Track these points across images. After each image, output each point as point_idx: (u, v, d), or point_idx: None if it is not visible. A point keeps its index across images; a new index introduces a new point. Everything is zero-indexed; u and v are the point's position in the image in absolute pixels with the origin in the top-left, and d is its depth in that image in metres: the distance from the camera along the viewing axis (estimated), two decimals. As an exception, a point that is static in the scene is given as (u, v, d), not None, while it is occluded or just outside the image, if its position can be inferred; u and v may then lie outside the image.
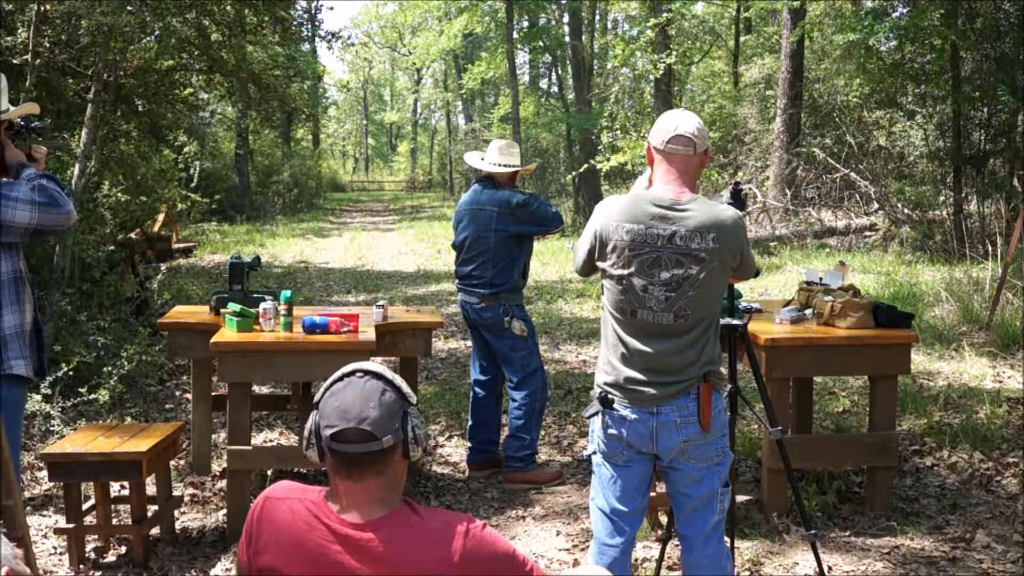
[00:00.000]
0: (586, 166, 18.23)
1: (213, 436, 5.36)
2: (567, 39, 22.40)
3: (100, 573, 3.96)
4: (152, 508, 4.18)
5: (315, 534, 1.84)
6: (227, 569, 3.95)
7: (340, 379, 1.88)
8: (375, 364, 1.91)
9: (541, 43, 23.86)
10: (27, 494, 4.64)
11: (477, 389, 5.22)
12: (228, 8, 8.78)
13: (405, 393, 1.88)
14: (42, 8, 6.72)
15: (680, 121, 2.88)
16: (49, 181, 3.18)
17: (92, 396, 5.67)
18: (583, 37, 22.65)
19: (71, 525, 3.97)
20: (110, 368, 5.99)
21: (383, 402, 1.83)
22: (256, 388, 5.85)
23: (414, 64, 37.88)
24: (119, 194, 8.04)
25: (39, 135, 3.51)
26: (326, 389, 1.89)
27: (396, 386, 1.87)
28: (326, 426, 1.83)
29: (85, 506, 4.11)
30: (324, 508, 1.85)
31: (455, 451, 5.57)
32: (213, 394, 5.24)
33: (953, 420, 5.75)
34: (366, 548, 1.80)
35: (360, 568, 1.80)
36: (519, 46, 24.69)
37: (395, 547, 1.79)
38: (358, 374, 1.87)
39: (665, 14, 16.58)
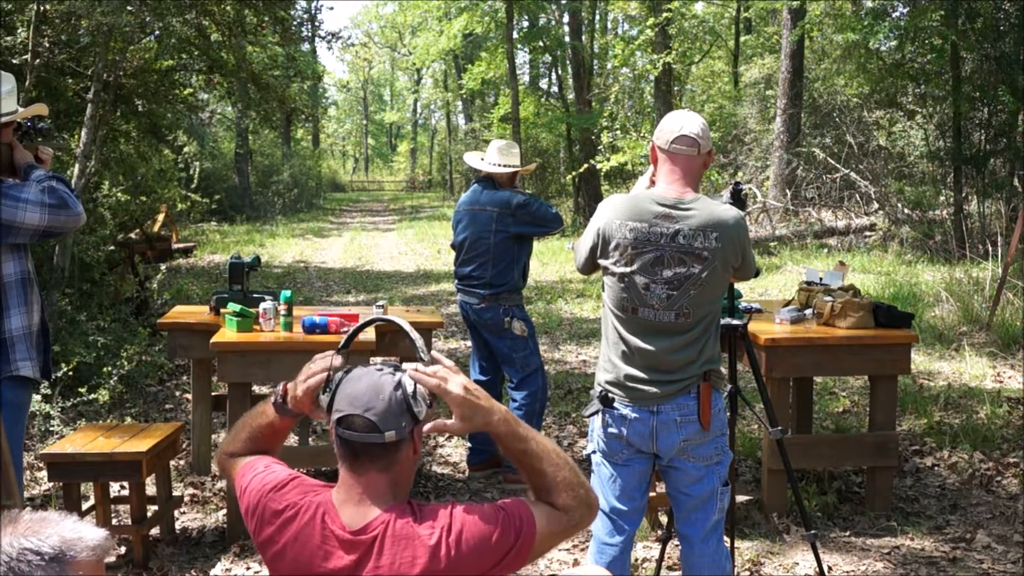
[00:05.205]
0: (586, 166, 18.22)
1: (213, 436, 5.36)
2: (567, 39, 22.36)
3: (100, 573, 3.95)
4: (152, 508, 4.18)
5: (315, 533, 1.83)
6: (227, 569, 3.95)
7: (361, 366, 1.88)
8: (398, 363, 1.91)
9: (541, 43, 23.81)
10: (27, 494, 4.64)
11: (477, 389, 5.21)
12: (228, 8, 8.78)
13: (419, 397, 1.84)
14: (42, 8, 6.72)
15: (685, 122, 2.89)
16: (58, 183, 3.16)
17: (92, 396, 5.67)
18: (583, 37, 22.61)
19: (71, 525, 3.96)
20: (110, 368, 5.99)
21: (394, 397, 1.81)
22: (256, 388, 5.85)
23: (414, 64, 37.82)
24: (119, 194, 8.04)
25: (44, 136, 3.50)
26: (347, 372, 1.87)
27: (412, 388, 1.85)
28: (335, 410, 1.82)
29: (85, 506, 4.12)
30: (326, 506, 1.85)
31: (455, 451, 5.57)
32: (213, 394, 5.24)
33: (953, 420, 5.75)
34: (363, 548, 1.79)
35: (358, 569, 1.79)
36: (519, 46, 24.61)
37: (391, 547, 1.78)
38: (378, 365, 1.86)
39: (665, 14, 16.58)
